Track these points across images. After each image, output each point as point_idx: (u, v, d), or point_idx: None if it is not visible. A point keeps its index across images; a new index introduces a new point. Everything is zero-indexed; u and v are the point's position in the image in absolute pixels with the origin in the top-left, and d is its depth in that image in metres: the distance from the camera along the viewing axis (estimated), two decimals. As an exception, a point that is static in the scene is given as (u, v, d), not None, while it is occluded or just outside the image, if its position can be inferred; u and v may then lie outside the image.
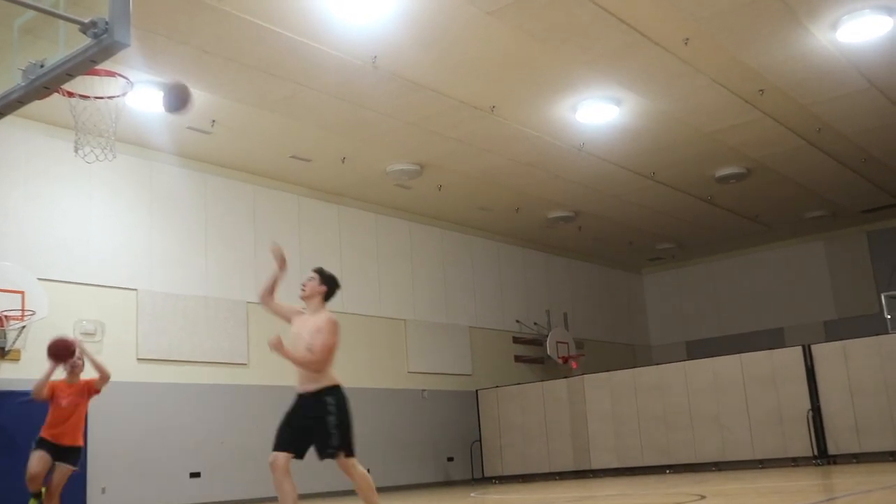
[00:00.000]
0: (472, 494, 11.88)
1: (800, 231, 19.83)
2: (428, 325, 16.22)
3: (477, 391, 16.63)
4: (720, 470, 13.54)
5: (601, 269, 21.53)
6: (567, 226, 17.87)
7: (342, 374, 5.79)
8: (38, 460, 7.55)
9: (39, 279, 10.55)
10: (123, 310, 11.69)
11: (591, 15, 9.41)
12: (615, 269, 22.03)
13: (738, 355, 13.95)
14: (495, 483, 15.70)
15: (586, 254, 20.72)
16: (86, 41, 4.02)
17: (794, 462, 13.00)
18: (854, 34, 10.28)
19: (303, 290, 5.88)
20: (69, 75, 4.24)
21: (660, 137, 13.40)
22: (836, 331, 18.06)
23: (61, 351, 7.70)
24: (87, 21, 3.97)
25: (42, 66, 4.29)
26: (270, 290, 5.94)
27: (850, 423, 12.63)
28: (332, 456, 5.49)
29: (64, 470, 7.72)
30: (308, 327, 5.65)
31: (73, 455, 7.81)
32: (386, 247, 15.82)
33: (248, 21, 9.13)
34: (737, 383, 13.67)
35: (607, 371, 15.68)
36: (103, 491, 10.86)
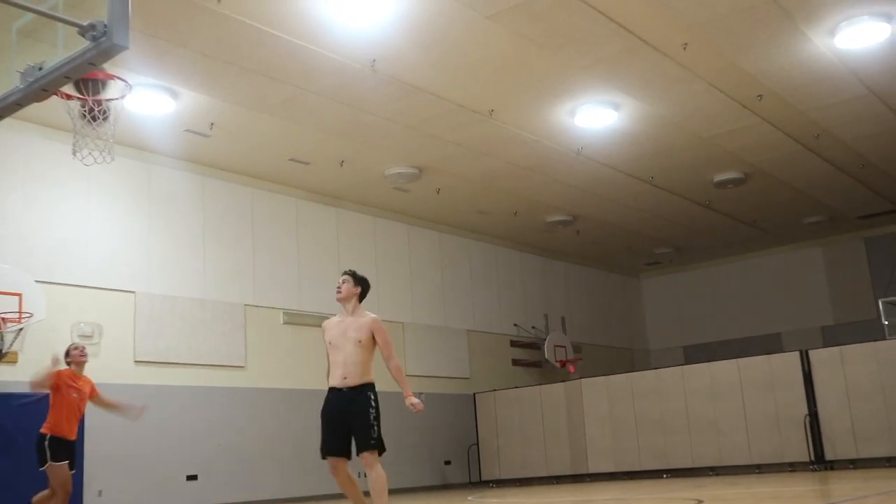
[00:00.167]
0: (469, 498, 11.88)
1: (797, 236, 19.85)
2: (426, 328, 16.22)
3: (474, 394, 16.63)
4: (717, 474, 13.54)
5: (599, 273, 21.54)
6: (565, 230, 17.88)
7: (334, 370, 5.97)
8: (69, 474, 7.45)
9: (37, 281, 10.54)
10: (121, 312, 11.68)
11: (589, 19, 9.42)
12: (613, 273, 22.04)
13: (735, 360, 13.95)
14: (492, 487, 15.69)
15: (584, 258, 20.73)
16: (84, 44, 4.02)
17: (791, 467, 13.00)
18: (852, 40, 10.29)
19: (339, 292, 6.18)
20: (68, 78, 4.23)
21: (658, 142, 13.41)
22: (833, 336, 18.09)
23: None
24: (85, 24, 3.97)
25: (40, 69, 4.29)
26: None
27: (847, 428, 12.64)
28: (375, 447, 5.81)
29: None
30: (353, 326, 6.03)
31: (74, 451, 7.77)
32: (384, 250, 15.83)
33: (246, 24, 9.14)
34: (734, 388, 13.67)
35: (605, 375, 15.70)
36: (100, 493, 10.83)
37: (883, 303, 16.61)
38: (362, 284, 6.22)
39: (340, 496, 12.57)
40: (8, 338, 10.25)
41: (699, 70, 10.97)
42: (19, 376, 10.30)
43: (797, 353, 13.35)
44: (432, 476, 15.70)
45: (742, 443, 13.44)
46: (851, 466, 12.57)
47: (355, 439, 5.87)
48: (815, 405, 12.93)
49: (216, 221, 13.20)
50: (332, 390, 6.02)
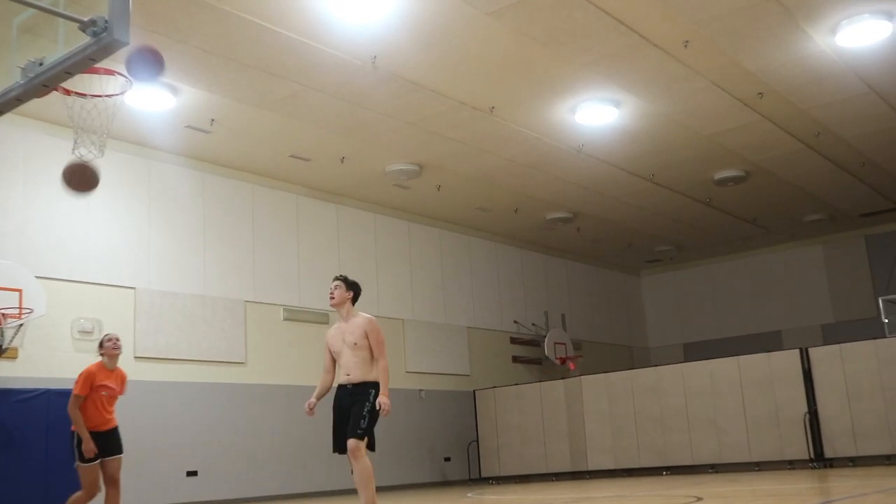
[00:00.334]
0: (468, 495, 11.89)
1: (798, 234, 19.85)
2: (426, 325, 16.22)
3: (474, 391, 16.63)
4: (717, 472, 13.55)
5: (599, 271, 21.54)
6: (566, 227, 17.88)
7: (339, 372, 6.11)
8: (97, 475, 7.11)
9: (37, 277, 10.54)
10: (121, 308, 11.68)
11: (590, 17, 9.42)
12: (613, 270, 22.04)
13: (735, 358, 13.95)
14: (492, 483, 15.70)
15: (585, 255, 20.73)
16: (85, 39, 4.02)
17: (791, 465, 13.01)
18: (853, 39, 10.29)
19: (332, 298, 6.41)
20: (68, 73, 4.24)
21: (659, 140, 13.41)
22: (833, 334, 18.09)
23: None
24: (86, 19, 3.98)
25: (41, 65, 4.30)
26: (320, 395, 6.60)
27: (846, 426, 12.64)
28: (360, 436, 5.99)
29: (117, 463, 7.29)
30: (348, 330, 6.29)
31: (117, 440, 7.31)
32: (384, 247, 15.83)
33: (247, 20, 9.13)
34: (734, 386, 13.68)
35: (605, 372, 15.70)
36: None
37: (883, 301, 16.63)
38: (354, 289, 6.45)
39: (341, 493, 12.60)
40: (8, 333, 10.26)
41: (700, 68, 10.96)
42: (19, 372, 10.33)
43: (797, 351, 13.35)
44: (432, 473, 15.71)
45: (742, 440, 13.45)
46: (851, 464, 12.58)
47: (347, 429, 6.04)
48: (814, 403, 12.93)
49: (216, 218, 13.20)
50: (339, 388, 6.30)
